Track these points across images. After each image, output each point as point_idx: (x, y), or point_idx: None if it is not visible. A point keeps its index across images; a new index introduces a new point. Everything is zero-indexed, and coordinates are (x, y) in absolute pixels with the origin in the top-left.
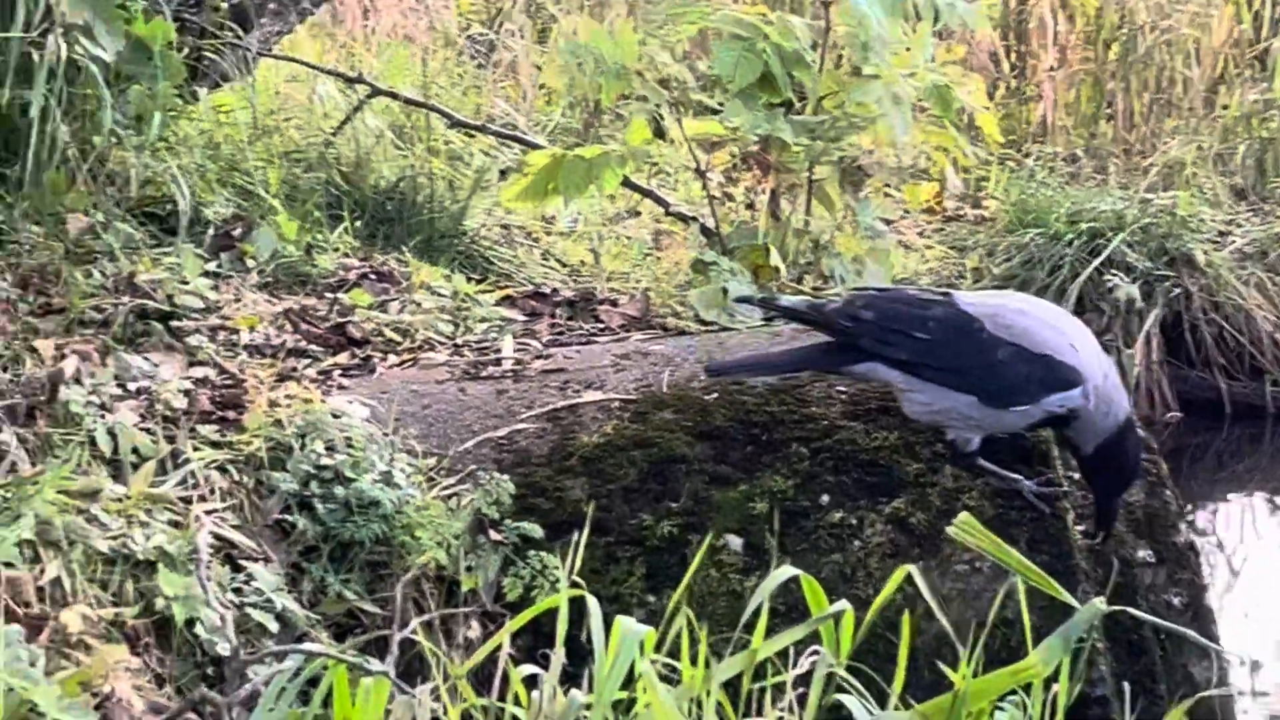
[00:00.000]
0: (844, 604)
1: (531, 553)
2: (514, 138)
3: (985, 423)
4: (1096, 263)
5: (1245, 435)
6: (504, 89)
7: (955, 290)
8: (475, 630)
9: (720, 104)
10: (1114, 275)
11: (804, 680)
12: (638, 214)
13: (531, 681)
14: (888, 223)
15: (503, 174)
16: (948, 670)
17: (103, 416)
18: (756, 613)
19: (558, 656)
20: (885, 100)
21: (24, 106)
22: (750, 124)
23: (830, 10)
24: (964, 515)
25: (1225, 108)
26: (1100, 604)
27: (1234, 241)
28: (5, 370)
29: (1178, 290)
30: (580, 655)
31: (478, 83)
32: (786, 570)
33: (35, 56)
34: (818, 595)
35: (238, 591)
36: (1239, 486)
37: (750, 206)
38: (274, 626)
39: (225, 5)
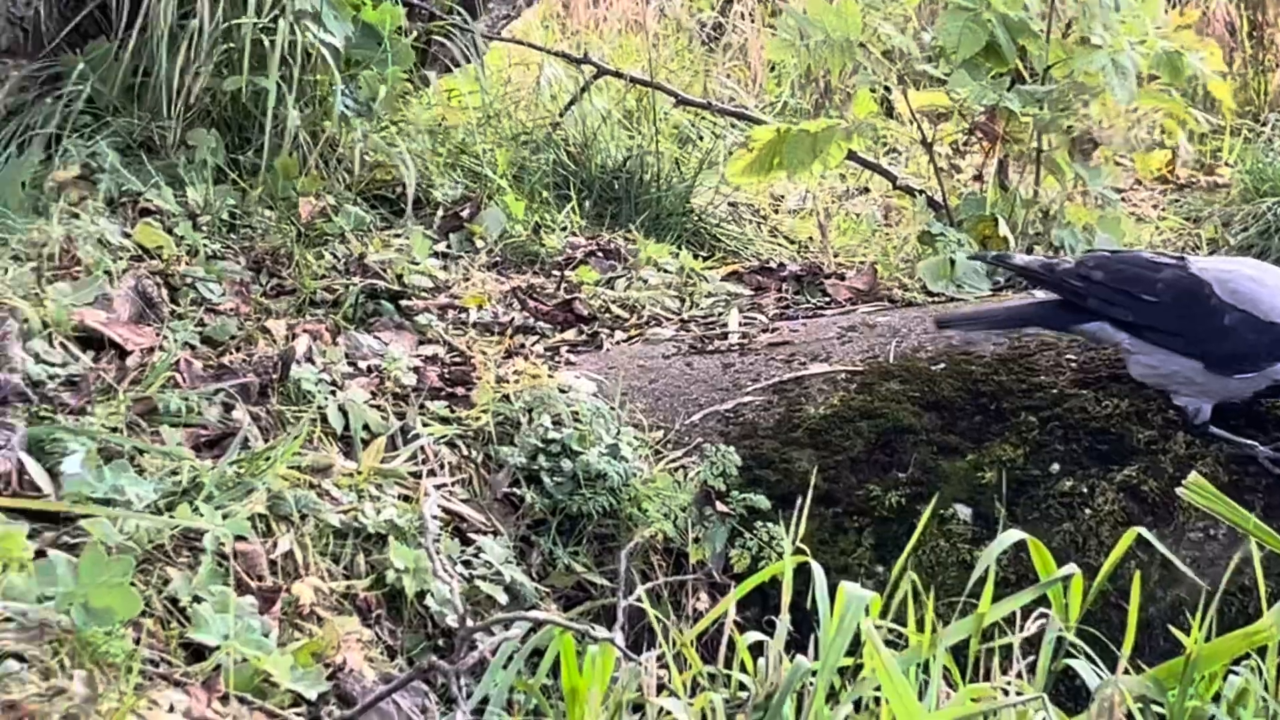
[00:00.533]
0: (1072, 567)
1: (759, 524)
2: (739, 114)
3: (1210, 388)
4: None
5: None
6: (733, 71)
7: (1189, 256)
8: (703, 601)
9: (946, 75)
10: None
11: (1032, 645)
12: (867, 190)
13: (758, 649)
14: (1118, 192)
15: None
16: (1180, 635)
17: (333, 394)
18: (984, 579)
19: (783, 623)
20: (1108, 69)
21: (256, 94)
22: (976, 94)
23: None
24: (1194, 476)
25: None
26: None
27: None
28: (239, 350)
29: None
30: (807, 623)
31: (707, 66)
32: (1013, 534)
33: (266, 44)
34: (1046, 560)
35: (467, 564)
36: None
37: (978, 178)
38: (503, 598)
39: None
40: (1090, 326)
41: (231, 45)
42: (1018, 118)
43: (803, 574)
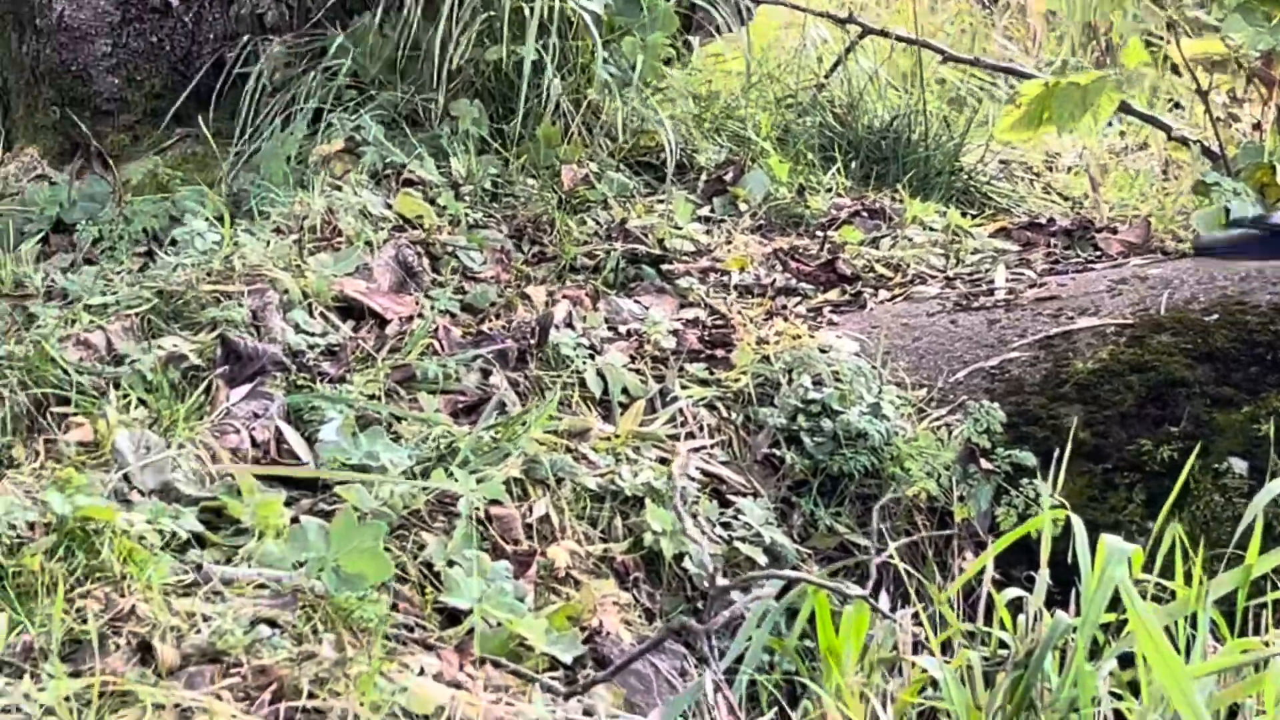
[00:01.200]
0: None
1: (1025, 481)
2: (1008, 69)
3: None
4: None
5: None
6: (1012, 32)
7: None
8: (969, 561)
9: (1219, 20)
10: None
11: None
12: (1146, 146)
13: (1019, 607)
14: None
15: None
16: None
17: (592, 358)
18: (1250, 530)
19: (1042, 578)
20: None
21: (518, 63)
22: (1251, 39)
23: None
24: None
25: None
26: None
27: None
28: (499, 317)
29: None
30: (1069, 580)
31: (986, 27)
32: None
33: (526, 11)
34: None
35: (726, 526)
36: None
37: (1256, 127)
38: (762, 560)
39: None
40: None
41: (492, 14)
42: None
43: (1068, 532)
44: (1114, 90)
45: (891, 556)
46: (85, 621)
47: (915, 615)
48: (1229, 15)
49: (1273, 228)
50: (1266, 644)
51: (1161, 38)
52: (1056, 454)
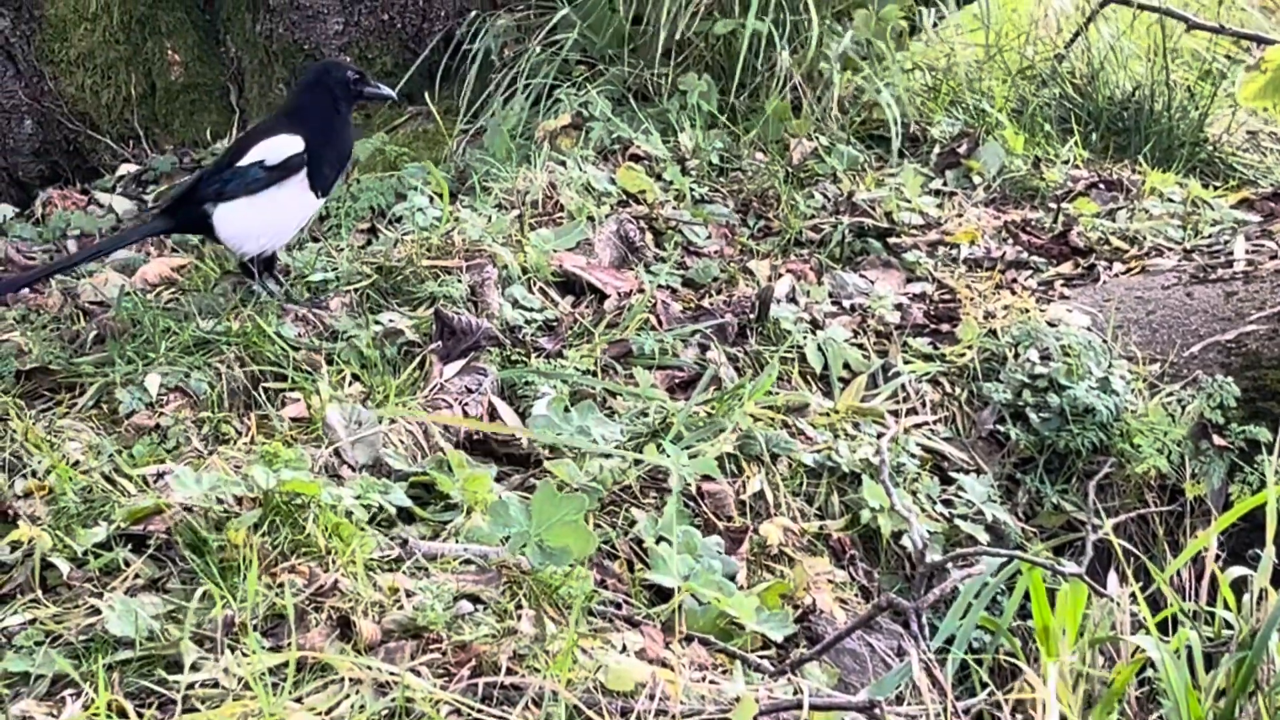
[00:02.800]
0: None
1: (1260, 458)
2: (1254, 36)
3: None
4: None
5: None
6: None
7: None
8: (1192, 540)
9: None
10: None
11: None
12: None
13: (1244, 586)
14: None
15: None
16: None
17: (813, 333)
18: None
19: (1268, 556)
20: None
21: (744, 36)
22: None
23: None
24: None
25: None
26: None
27: None
28: (719, 292)
29: None
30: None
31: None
32: None
33: None
34: None
35: (948, 504)
36: None
37: None
38: (984, 538)
39: None
40: None
41: None
42: None
43: None
44: None
45: (1109, 533)
46: (291, 596)
47: (1134, 594)
48: None
49: None
50: None
51: None
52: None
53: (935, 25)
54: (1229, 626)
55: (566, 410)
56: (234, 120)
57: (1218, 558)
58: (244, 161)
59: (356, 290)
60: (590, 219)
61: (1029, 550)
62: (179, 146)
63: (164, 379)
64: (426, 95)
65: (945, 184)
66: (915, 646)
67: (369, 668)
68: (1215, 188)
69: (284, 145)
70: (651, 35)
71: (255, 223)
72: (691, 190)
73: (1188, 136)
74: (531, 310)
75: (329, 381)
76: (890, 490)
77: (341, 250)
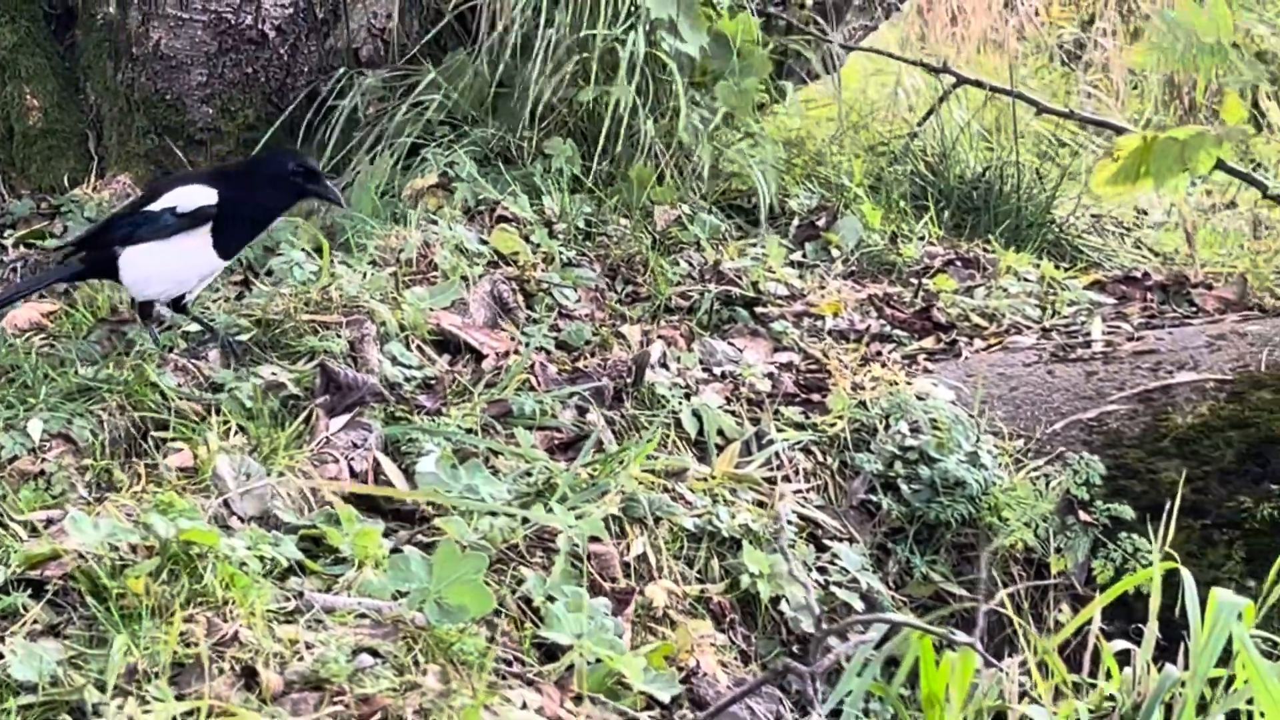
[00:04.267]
0: None
1: (1123, 535)
2: (1102, 123)
3: None
4: None
5: None
6: (1095, 88)
7: None
8: (1064, 612)
9: None
10: None
11: None
12: (1234, 205)
13: (1123, 660)
14: None
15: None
16: None
17: (687, 399)
18: None
19: (1151, 630)
20: None
21: (610, 104)
22: None
23: None
24: None
25: None
26: None
27: None
28: (593, 355)
29: None
30: (1172, 634)
31: (1068, 85)
32: None
33: (621, 52)
34: None
35: (822, 570)
36: None
37: None
38: (859, 605)
39: (811, 1)
40: None
41: (586, 55)
42: None
43: (1169, 586)
44: (1212, 146)
45: (1004, 604)
46: (189, 645)
47: (1023, 664)
48: None
49: None
50: None
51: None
52: (1168, 508)
53: (782, 100)
54: (1109, 698)
55: (454, 468)
56: (92, 167)
57: (1079, 631)
58: (155, 206)
59: (236, 342)
60: (464, 279)
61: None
62: (35, 192)
63: (45, 424)
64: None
65: (805, 256)
66: (812, 711)
67: (274, 718)
68: (1063, 268)
69: (197, 195)
70: (516, 99)
71: (157, 268)
72: (560, 253)
73: (1035, 217)
74: (410, 368)
75: (216, 432)
76: (788, 557)
77: (216, 302)
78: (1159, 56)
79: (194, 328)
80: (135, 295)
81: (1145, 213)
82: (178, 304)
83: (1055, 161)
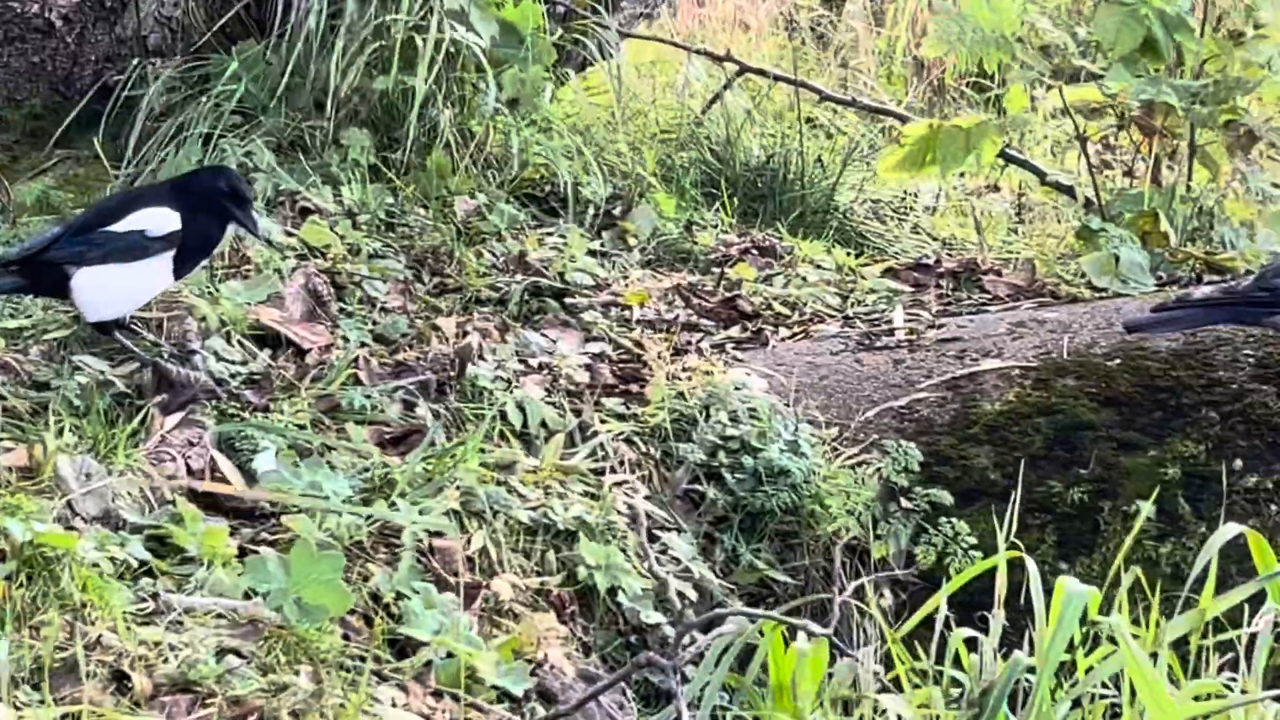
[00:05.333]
0: None
1: (942, 520)
2: (886, 111)
3: None
4: None
5: None
6: (846, 71)
7: None
8: (886, 598)
9: (1104, 69)
10: None
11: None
12: (997, 189)
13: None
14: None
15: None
16: None
17: (509, 391)
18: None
19: (997, 620)
20: (1276, 59)
21: (405, 93)
22: (1136, 89)
23: None
24: None
25: None
26: None
27: None
28: (411, 348)
29: None
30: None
31: (817, 65)
32: (1232, 528)
33: (419, 42)
34: (1266, 554)
35: (653, 561)
36: None
37: (1129, 174)
38: (692, 595)
39: None
40: None
41: (382, 44)
42: (1176, 112)
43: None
44: (997, 134)
45: (858, 595)
46: (56, 649)
47: (886, 655)
48: (1113, 65)
49: (1195, 303)
50: (1228, 685)
51: (1043, 82)
52: (1014, 498)
53: (565, 84)
54: (955, 684)
55: (295, 465)
56: None
57: (901, 616)
58: (119, 228)
59: (53, 339)
60: (278, 272)
61: (729, 605)
62: None
63: None
64: (93, 139)
65: (603, 245)
66: (677, 701)
67: None
68: (851, 255)
69: (165, 219)
70: (310, 89)
71: (121, 290)
72: (365, 244)
73: (820, 204)
74: (234, 363)
75: (52, 431)
76: (648, 552)
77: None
78: (948, 48)
79: (11, 324)
80: (88, 316)
81: (915, 195)
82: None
83: (835, 148)
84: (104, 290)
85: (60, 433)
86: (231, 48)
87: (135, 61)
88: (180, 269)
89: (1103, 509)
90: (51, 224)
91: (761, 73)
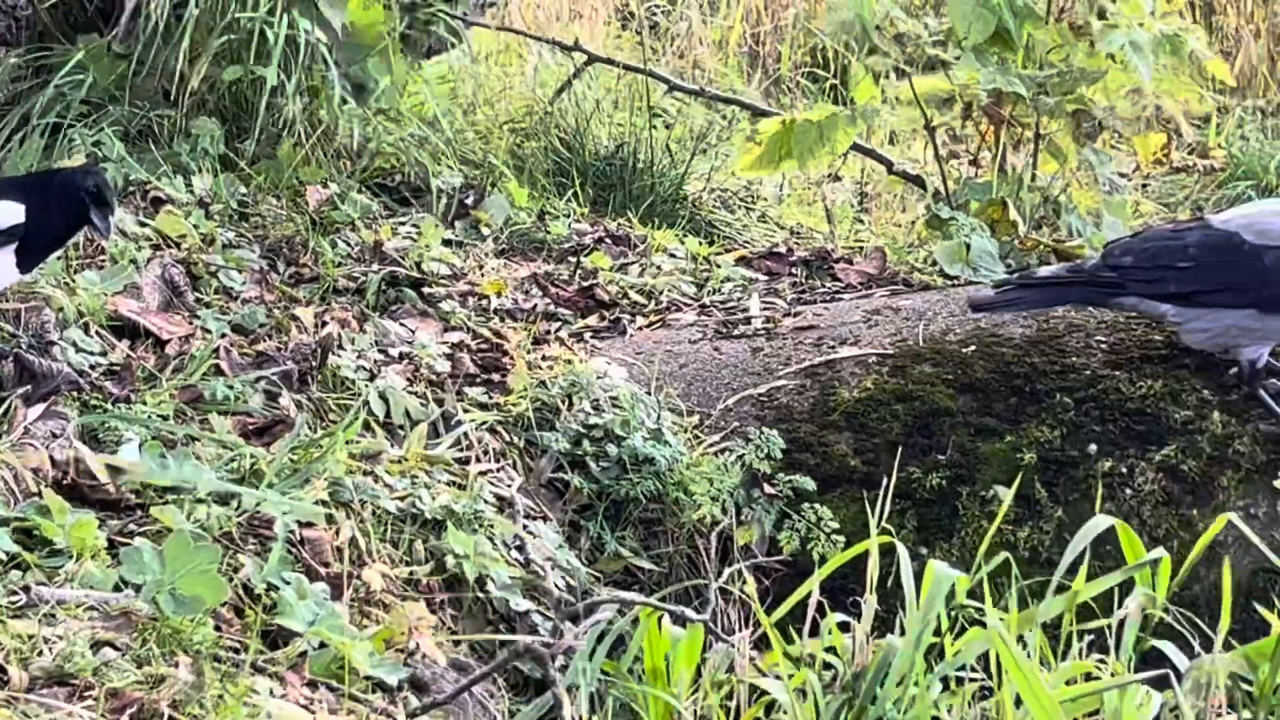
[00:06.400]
0: (1161, 551)
1: (805, 506)
2: (737, 102)
3: (1270, 331)
4: None
5: None
6: (683, 61)
7: (1205, 212)
8: (750, 584)
9: (956, 58)
10: None
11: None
12: (838, 179)
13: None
14: (1122, 176)
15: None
16: (1265, 613)
17: (371, 381)
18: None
19: (870, 603)
20: (1126, 47)
21: (253, 83)
22: (985, 79)
23: None
24: None
25: None
26: None
27: None
28: (270, 338)
29: None
30: (845, 602)
31: (654, 55)
32: (1102, 520)
33: (268, 33)
34: (1134, 544)
35: (520, 549)
36: None
37: (974, 163)
38: (559, 584)
39: None
40: (1129, 300)
41: (232, 36)
42: (1024, 102)
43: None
44: (848, 126)
45: (730, 582)
46: None
47: (759, 638)
48: (964, 54)
49: (1040, 280)
50: (1099, 665)
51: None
52: (885, 484)
53: (413, 73)
54: (827, 667)
55: (162, 456)
56: None
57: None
58: None
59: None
60: (133, 262)
61: (597, 593)
62: None
63: None
64: None
65: (456, 234)
66: (554, 688)
67: (27, 716)
68: (703, 244)
69: (8, 213)
70: (159, 78)
71: None
72: (219, 234)
73: (670, 194)
74: (93, 354)
75: None
76: (525, 540)
77: None
78: (846, 36)
79: None
80: None
81: (760, 184)
82: None
83: (682, 141)
84: None
85: None
86: (76, 38)
87: None
88: (27, 265)
89: (961, 494)
90: None
91: (610, 62)
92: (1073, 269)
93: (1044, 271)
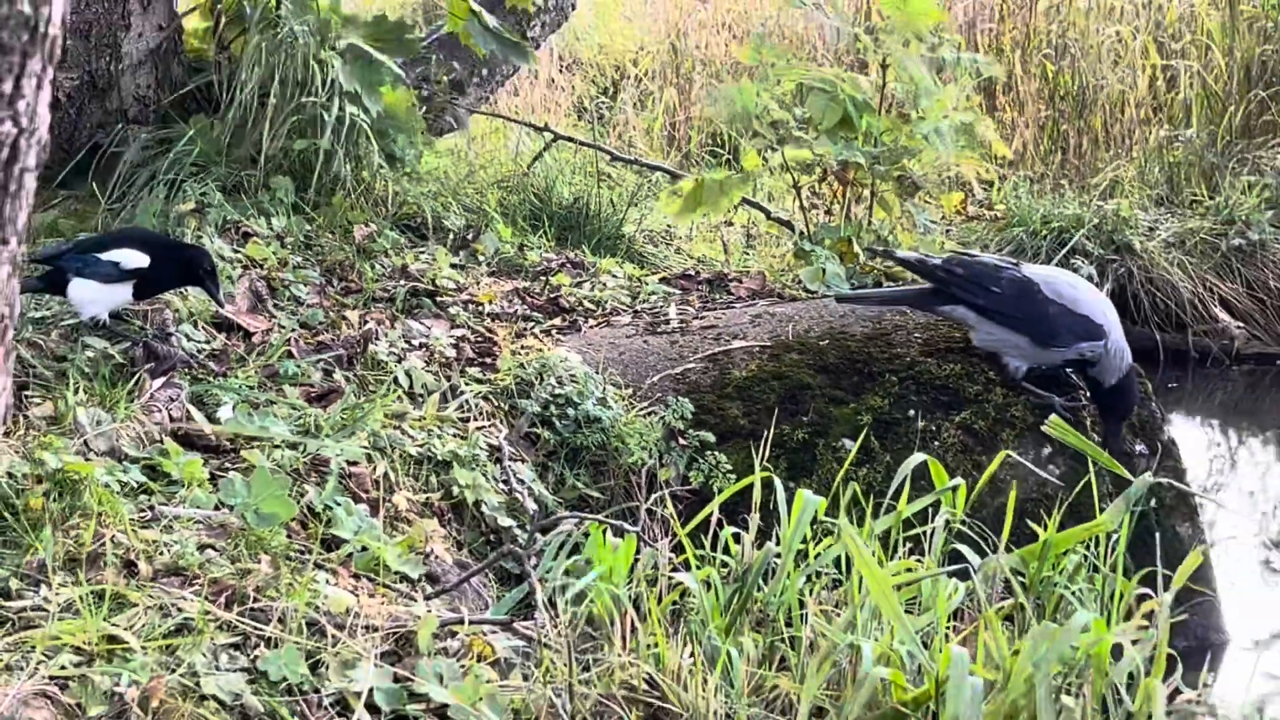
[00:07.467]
0: (960, 481)
1: (708, 453)
2: (660, 168)
3: (1032, 356)
4: (1064, 252)
5: (1174, 375)
6: (621, 140)
7: (1021, 262)
8: (670, 507)
9: (815, 138)
10: (1077, 260)
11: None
12: (731, 223)
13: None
14: (934, 223)
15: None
16: (1035, 527)
17: (399, 362)
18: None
19: (754, 520)
20: (932, 134)
21: (316, 151)
22: (836, 152)
23: (886, 71)
24: (1053, 418)
25: (1146, 141)
26: (1149, 477)
27: (1159, 234)
28: (328, 332)
29: (1122, 269)
30: (737, 523)
31: (600, 135)
32: (919, 457)
33: (324, 115)
34: (940, 474)
35: (505, 483)
36: (1174, 408)
37: (828, 212)
38: (533, 507)
39: (445, 80)
40: (948, 308)
41: (300, 117)
42: (863, 169)
43: (748, 492)
44: (740, 185)
45: (664, 505)
46: (81, 545)
47: (675, 545)
48: (821, 134)
49: (898, 259)
50: (918, 562)
51: (773, 147)
52: (766, 435)
53: (431, 148)
54: (724, 566)
55: (250, 414)
56: None
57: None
58: (105, 256)
59: (69, 325)
60: (229, 278)
61: (560, 513)
62: None
63: None
64: (94, 184)
65: (461, 260)
66: (529, 579)
67: (153, 597)
68: (635, 268)
69: (136, 258)
70: (247, 147)
71: (96, 300)
72: (290, 259)
73: (613, 233)
74: (200, 343)
75: (72, 390)
76: (511, 478)
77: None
78: (726, 118)
79: (37, 315)
80: (78, 313)
81: (674, 228)
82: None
83: (617, 190)
84: (84, 297)
85: (76, 391)
86: (189, 118)
87: (119, 126)
88: (140, 295)
89: (819, 445)
90: (61, 242)
91: (570, 139)
92: (920, 260)
93: (900, 254)
